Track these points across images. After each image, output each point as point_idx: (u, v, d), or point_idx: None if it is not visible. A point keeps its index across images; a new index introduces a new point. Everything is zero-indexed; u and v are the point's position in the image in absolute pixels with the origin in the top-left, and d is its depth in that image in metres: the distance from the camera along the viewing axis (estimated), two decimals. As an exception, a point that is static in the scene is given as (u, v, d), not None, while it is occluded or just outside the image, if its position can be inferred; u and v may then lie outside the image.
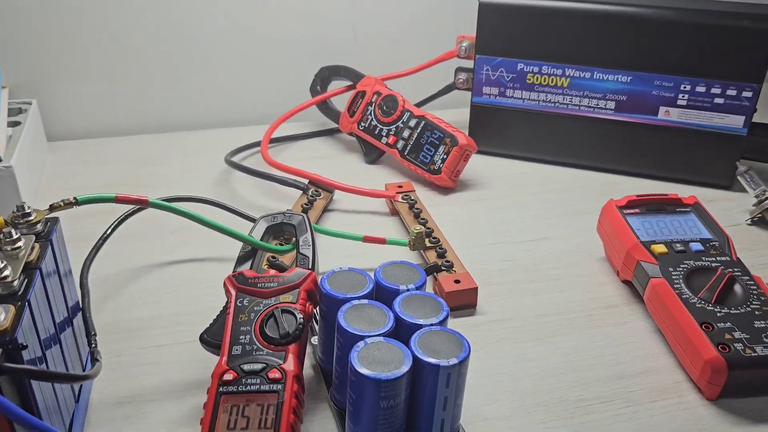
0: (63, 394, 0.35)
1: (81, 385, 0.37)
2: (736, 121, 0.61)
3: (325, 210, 0.60)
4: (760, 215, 0.58)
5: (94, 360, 0.36)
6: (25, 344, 0.28)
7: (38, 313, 0.32)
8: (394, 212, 0.60)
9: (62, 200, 0.36)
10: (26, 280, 0.31)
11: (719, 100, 0.61)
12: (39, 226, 0.35)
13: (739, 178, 0.61)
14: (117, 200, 0.38)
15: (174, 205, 0.40)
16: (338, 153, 0.71)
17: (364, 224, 0.58)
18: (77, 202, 0.36)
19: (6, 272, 0.31)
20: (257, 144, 0.68)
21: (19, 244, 0.33)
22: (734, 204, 0.61)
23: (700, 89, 0.61)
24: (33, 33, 0.69)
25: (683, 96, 0.62)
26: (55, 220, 0.37)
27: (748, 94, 0.60)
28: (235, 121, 0.78)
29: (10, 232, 0.33)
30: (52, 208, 0.36)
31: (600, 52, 0.63)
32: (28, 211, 0.35)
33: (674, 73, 0.61)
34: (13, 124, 0.63)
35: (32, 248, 0.33)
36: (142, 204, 0.38)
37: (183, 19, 0.72)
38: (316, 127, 0.75)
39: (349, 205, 0.61)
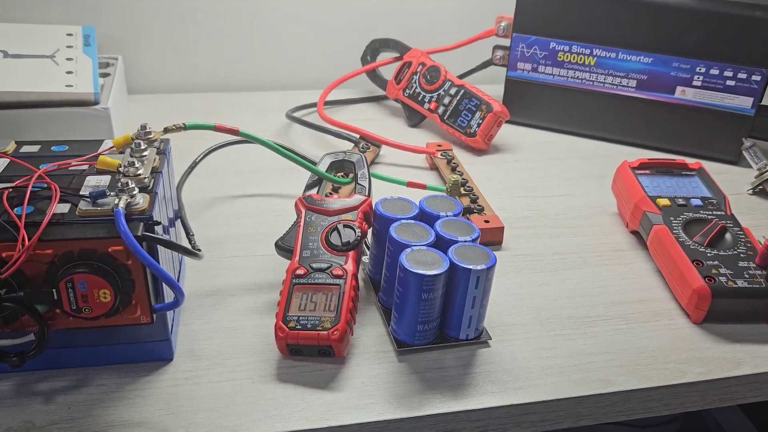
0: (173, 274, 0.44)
1: (179, 275, 0.46)
2: (745, 102, 0.68)
3: (372, 163, 0.68)
4: (760, 186, 0.65)
5: (197, 250, 0.45)
6: (158, 221, 0.37)
7: (161, 204, 0.40)
8: (434, 167, 0.68)
9: (173, 124, 0.45)
10: (153, 179, 0.40)
11: (731, 83, 0.68)
12: (156, 143, 0.44)
13: (743, 152, 0.68)
14: (216, 129, 0.46)
15: (260, 136, 0.48)
16: (383, 117, 0.79)
17: (406, 177, 0.65)
18: (185, 127, 0.45)
19: (140, 171, 0.40)
20: (314, 104, 0.77)
21: (146, 153, 0.42)
22: (739, 176, 0.68)
23: (714, 72, 0.68)
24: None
25: (698, 77, 0.69)
26: (168, 140, 0.45)
27: (757, 78, 0.66)
28: (293, 85, 0.86)
29: (139, 144, 0.42)
30: (166, 130, 0.45)
31: (625, 34, 0.70)
32: (149, 130, 0.44)
33: (691, 57, 0.68)
34: (103, 75, 0.72)
35: (155, 159, 0.42)
36: (234, 133, 0.47)
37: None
38: (364, 94, 0.84)
39: (393, 159, 0.69)
